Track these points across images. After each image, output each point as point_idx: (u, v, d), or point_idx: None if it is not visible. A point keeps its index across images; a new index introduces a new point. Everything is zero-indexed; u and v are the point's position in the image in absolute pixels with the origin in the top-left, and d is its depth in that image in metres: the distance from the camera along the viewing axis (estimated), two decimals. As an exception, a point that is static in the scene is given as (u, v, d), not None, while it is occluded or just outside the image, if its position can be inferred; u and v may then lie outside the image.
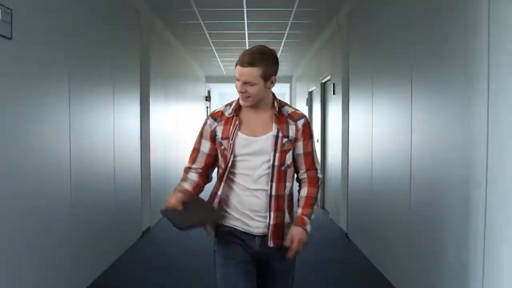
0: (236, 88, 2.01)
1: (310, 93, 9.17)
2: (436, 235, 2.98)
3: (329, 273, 4.30)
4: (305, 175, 2.12)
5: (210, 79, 13.17)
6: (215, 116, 2.10)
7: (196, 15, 6.25)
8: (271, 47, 2.05)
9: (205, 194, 2.13)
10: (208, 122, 2.11)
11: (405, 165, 3.57)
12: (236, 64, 1.99)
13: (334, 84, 6.46)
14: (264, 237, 2.04)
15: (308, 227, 2.05)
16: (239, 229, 2.05)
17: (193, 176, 2.11)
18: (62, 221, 3.32)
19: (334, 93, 6.47)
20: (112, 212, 4.51)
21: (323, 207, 7.65)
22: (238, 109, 2.07)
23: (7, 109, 2.59)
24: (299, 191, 2.16)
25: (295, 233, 2.00)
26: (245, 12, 6.12)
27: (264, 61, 1.96)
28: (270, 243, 2.03)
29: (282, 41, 8.00)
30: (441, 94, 2.97)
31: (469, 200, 2.51)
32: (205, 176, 2.15)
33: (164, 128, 7.11)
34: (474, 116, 2.48)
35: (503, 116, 2.21)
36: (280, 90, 14.61)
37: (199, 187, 2.12)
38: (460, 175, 2.66)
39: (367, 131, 4.75)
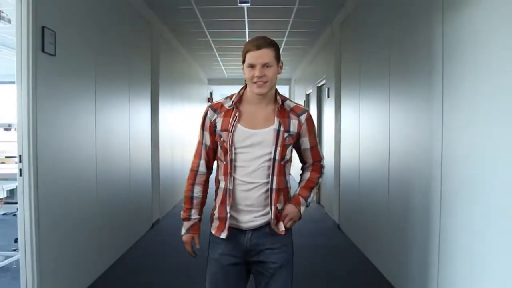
0: (251, 76, 1.97)
1: (308, 96, 9.70)
2: (406, 224, 3.52)
3: (322, 257, 4.83)
4: (310, 165, 2.18)
5: (212, 81, 13.73)
6: (215, 108, 2.07)
7: (201, 24, 6.78)
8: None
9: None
10: (208, 114, 2.07)
11: (384, 164, 4.11)
12: (247, 51, 1.96)
13: (328, 88, 6.99)
14: (253, 230, 2.04)
15: (302, 208, 2.07)
16: (230, 226, 2.04)
17: (198, 192, 2.13)
18: (89, 215, 3.86)
19: (328, 97, 7.00)
20: (127, 206, 5.04)
21: (319, 203, 8.19)
22: (238, 101, 2.05)
23: (53, 111, 3.14)
24: (301, 175, 2.21)
25: (288, 209, 2.05)
26: (246, 22, 6.65)
27: (275, 44, 1.99)
28: (280, 228, 2.04)
29: (281, 47, 8.51)
30: (409, 98, 3.50)
31: (429, 191, 3.05)
32: (208, 177, 2.15)
33: (171, 127, 7.65)
34: (432, 118, 3.01)
35: (454, 121, 2.74)
36: (280, 91, 15.10)
37: (204, 202, 2.16)
38: (422, 171, 3.19)
39: (355, 133, 5.29)
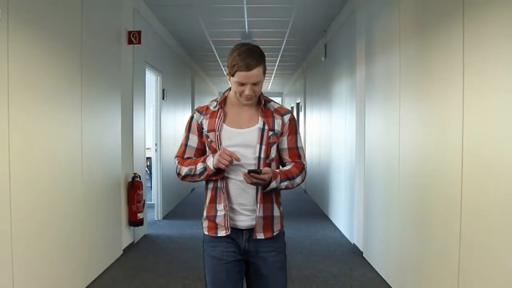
0: (241, 92, 1.94)
1: (292, 108, 13.52)
2: (324, 180, 7.34)
3: (297, 202, 8.68)
4: (291, 162, 2.09)
5: (222, 92, 17.62)
6: (201, 110, 2.08)
7: (218, 63, 10.64)
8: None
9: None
10: (195, 116, 2.08)
11: (319, 150, 7.96)
12: (237, 70, 1.89)
13: (301, 106, 10.84)
14: (251, 230, 2.01)
15: (273, 184, 1.94)
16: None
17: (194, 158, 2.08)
18: (171, 177, 7.70)
19: (301, 111, 10.85)
20: (181, 181, 8.89)
21: (297, 181, 12.07)
22: (223, 102, 2.05)
23: (166, 120, 6.96)
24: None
25: (265, 171, 1.91)
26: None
27: (263, 56, 1.94)
28: (260, 235, 2.00)
29: (275, 64, 12.36)
30: (325, 114, 7.32)
31: (328, 161, 6.88)
32: None
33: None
34: (331, 123, 6.86)
35: (334, 123, 6.59)
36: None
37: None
38: (326, 150, 7.03)
39: (311, 134, 9.16)
